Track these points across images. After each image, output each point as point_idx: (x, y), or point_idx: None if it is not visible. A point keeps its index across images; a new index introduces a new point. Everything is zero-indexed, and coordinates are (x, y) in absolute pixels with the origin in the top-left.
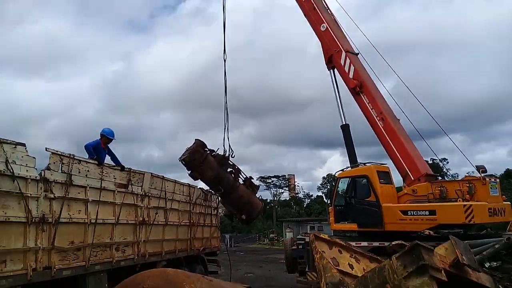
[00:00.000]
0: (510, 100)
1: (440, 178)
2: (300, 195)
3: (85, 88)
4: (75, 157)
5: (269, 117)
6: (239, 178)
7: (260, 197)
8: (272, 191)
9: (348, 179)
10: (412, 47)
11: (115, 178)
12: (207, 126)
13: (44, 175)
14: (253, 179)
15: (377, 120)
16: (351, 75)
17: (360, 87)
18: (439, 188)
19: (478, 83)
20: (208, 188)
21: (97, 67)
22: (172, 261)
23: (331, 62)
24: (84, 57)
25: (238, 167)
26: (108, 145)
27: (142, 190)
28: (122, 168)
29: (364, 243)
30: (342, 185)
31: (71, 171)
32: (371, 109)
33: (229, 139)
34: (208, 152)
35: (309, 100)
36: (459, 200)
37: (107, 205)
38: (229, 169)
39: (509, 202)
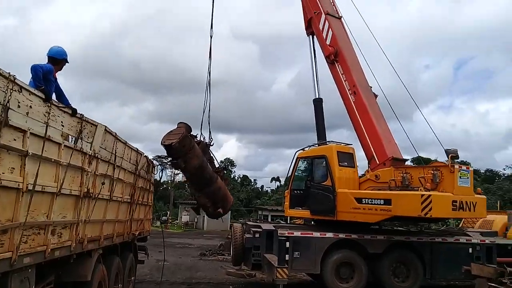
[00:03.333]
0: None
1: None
2: None
3: None
4: (16, 80)
5: (170, 95)
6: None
7: (154, 179)
8: (168, 172)
9: (308, 159)
10: None
11: (63, 126)
12: (103, 97)
13: None
14: (226, 169)
15: (348, 94)
16: (328, 41)
17: (336, 55)
18: (402, 175)
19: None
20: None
21: None
22: (107, 249)
23: (310, 27)
24: None
25: (214, 156)
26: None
27: (92, 149)
28: (74, 112)
29: (330, 234)
30: (302, 166)
31: (8, 102)
32: (344, 81)
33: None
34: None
35: (215, 82)
36: (420, 189)
37: (49, 164)
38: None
39: (483, 196)
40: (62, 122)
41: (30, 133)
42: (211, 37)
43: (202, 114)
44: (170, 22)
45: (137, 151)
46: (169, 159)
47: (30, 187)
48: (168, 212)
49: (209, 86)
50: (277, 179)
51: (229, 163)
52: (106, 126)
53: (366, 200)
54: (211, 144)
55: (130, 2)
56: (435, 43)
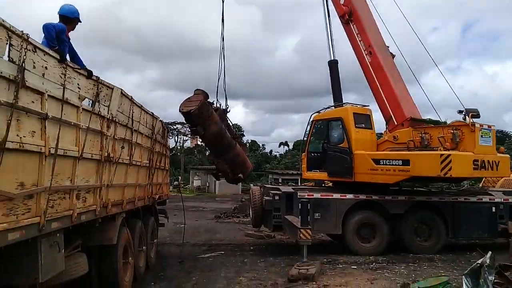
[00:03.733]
0: None
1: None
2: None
3: None
4: (30, 39)
5: (173, 62)
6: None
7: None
8: (177, 138)
9: (323, 121)
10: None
11: (79, 89)
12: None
13: None
14: (244, 135)
15: (364, 55)
16: (342, 1)
17: (350, 15)
18: (420, 135)
19: None
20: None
21: None
22: (130, 213)
23: None
24: None
25: (231, 123)
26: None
27: (109, 113)
28: (90, 74)
29: (350, 196)
30: (318, 129)
31: (23, 62)
32: (360, 41)
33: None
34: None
35: (215, 48)
36: (440, 149)
37: (69, 128)
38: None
39: (507, 155)
40: (78, 84)
41: (48, 95)
42: (223, 1)
43: (217, 80)
44: None
45: (152, 115)
46: (187, 125)
47: (52, 151)
48: (180, 177)
49: (223, 51)
50: (285, 143)
51: (236, 129)
52: (122, 89)
53: (384, 161)
54: (228, 110)
55: None
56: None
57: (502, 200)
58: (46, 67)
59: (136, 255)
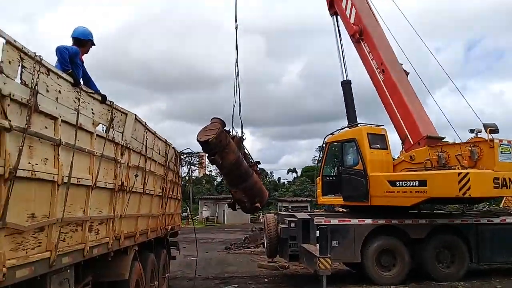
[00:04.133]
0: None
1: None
2: (213, 173)
3: None
4: (42, 61)
5: (180, 93)
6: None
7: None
8: (186, 168)
9: (337, 144)
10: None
11: (93, 114)
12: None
13: None
14: (260, 164)
15: (377, 73)
16: (352, 20)
17: (361, 34)
18: (437, 153)
19: None
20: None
21: None
22: (142, 246)
23: (333, 6)
24: None
25: (247, 151)
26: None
27: (123, 139)
28: (104, 99)
29: (368, 221)
30: (332, 152)
31: (36, 85)
32: (372, 60)
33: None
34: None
35: (222, 78)
36: (458, 168)
37: (82, 155)
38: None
39: None
40: (92, 109)
41: (62, 120)
42: (236, 30)
43: (233, 108)
44: (175, 20)
45: (165, 142)
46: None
47: (65, 180)
48: (188, 208)
49: (238, 78)
50: (293, 170)
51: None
52: (136, 115)
53: (400, 182)
54: (244, 138)
55: (135, 1)
56: (444, 26)
57: None
58: (59, 91)
59: None
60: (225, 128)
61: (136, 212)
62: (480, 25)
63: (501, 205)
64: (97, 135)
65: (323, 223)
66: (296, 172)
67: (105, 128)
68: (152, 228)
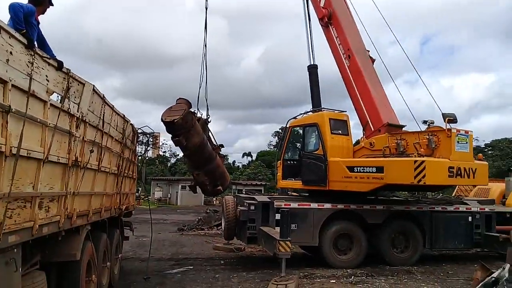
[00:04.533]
0: None
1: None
2: (167, 154)
3: None
4: None
5: (136, 71)
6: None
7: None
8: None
9: (300, 128)
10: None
11: (48, 81)
12: None
13: None
14: (223, 147)
15: (343, 58)
16: (322, 3)
17: (329, 18)
18: (396, 141)
19: None
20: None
21: None
22: (95, 225)
23: None
24: None
25: (212, 134)
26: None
27: (79, 111)
28: (60, 66)
29: (328, 205)
30: (295, 136)
31: None
32: (339, 45)
33: None
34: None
35: (180, 57)
36: (415, 156)
37: (34, 125)
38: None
39: (485, 162)
40: (47, 76)
41: (12, 85)
42: (206, 9)
43: (199, 89)
44: None
45: (123, 117)
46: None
47: (14, 151)
48: (140, 189)
49: (205, 59)
50: (248, 154)
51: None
52: (94, 86)
53: (358, 168)
54: (209, 120)
55: None
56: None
57: (478, 209)
58: (11, 52)
59: (99, 272)
60: (190, 110)
61: (90, 190)
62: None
63: (453, 194)
64: (51, 104)
65: (283, 206)
66: (251, 156)
67: (60, 97)
68: (106, 207)
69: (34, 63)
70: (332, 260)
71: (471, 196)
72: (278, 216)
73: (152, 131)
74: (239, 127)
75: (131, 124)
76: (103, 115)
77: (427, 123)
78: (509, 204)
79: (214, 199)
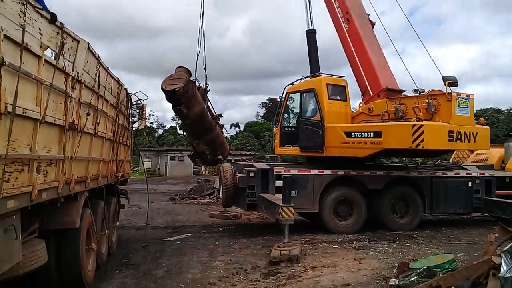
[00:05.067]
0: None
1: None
2: (154, 125)
3: None
4: None
5: (119, 42)
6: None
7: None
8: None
9: (297, 94)
10: None
11: (41, 35)
12: None
13: None
14: (222, 116)
15: (342, 22)
16: None
17: None
18: (395, 106)
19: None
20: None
21: None
22: (93, 192)
23: None
24: None
25: (211, 103)
26: None
27: (74, 70)
28: (53, 19)
29: (328, 172)
30: (292, 102)
31: None
32: (337, 8)
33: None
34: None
35: (164, 28)
36: (413, 120)
37: (29, 82)
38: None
39: (486, 127)
40: (40, 29)
41: (4, 35)
42: None
43: (196, 58)
44: None
45: (118, 81)
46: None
47: (10, 108)
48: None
49: (203, 26)
50: (236, 125)
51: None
52: (89, 44)
53: (356, 134)
54: (208, 89)
55: None
56: None
57: (478, 174)
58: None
59: (98, 240)
60: (191, 78)
61: (87, 155)
62: None
63: (451, 160)
64: (45, 60)
65: (282, 172)
66: (239, 127)
67: (54, 54)
68: (103, 174)
69: (26, 13)
70: (332, 225)
71: (470, 162)
72: (277, 183)
73: (146, 96)
74: (226, 99)
75: (125, 88)
76: (98, 76)
77: (418, 92)
78: (508, 169)
79: (204, 169)
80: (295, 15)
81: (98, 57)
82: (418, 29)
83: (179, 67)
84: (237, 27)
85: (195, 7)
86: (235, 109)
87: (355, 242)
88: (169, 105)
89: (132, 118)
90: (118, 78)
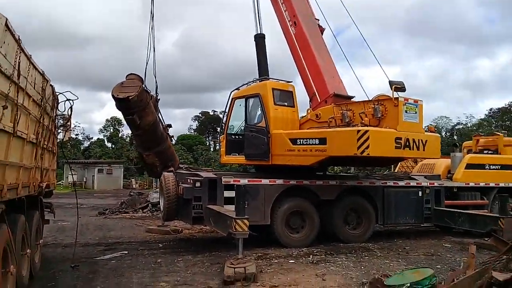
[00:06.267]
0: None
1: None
2: (80, 137)
3: None
4: None
5: (41, 51)
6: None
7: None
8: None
9: (242, 99)
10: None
11: None
12: None
13: None
14: (171, 126)
15: (289, 26)
16: None
17: None
18: (342, 112)
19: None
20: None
21: None
22: (10, 204)
23: None
24: None
25: (161, 113)
26: None
27: None
28: None
29: (280, 181)
30: (238, 108)
31: None
32: (285, 11)
33: None
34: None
35: (91, 37)
36: (359, 126)
37: None
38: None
39: (436, 134)
40: None
41: None
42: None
43: (145, 66)
44: None
45: (43, 75)
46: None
47: None
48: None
49: (153, 32)
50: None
51: (116, 122)
52: (7, 19)
53: (301, 140)
54: (159, 99)
55: None
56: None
57: (428, 184)
58: None
59: (18, 261)
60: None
61: (3, 159)
62: (345, 15)
63: (396, 170)
64: None
65: (231, 182)
66: (172, 140)
67: None
68: (24, 183)
69: None
70: (284, 239)
71: (415, 172)
72: (226, 193)
73: (76, 97)
74: None
75: (51, 85)
76: (18, 64)
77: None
78: (456, 178)
79: (134, 182)
80: (227, 29)
81: (19, 39)
82: (344, 49)
83: (131, 74)
84: (168, 40)
85: (122, 19)
86: (167, 122)
87: (311, 256)
88: (96, 116)
89: (59, 121)
90: (43, 71)
